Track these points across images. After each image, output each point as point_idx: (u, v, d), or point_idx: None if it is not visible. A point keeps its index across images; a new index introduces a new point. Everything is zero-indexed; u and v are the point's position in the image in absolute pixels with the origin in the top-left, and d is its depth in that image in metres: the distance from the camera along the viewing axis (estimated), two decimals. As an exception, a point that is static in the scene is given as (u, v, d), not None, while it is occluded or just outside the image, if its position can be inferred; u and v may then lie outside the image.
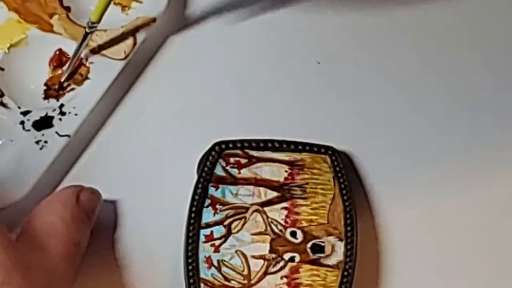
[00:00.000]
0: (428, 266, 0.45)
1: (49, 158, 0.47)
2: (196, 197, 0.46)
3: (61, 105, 0.49)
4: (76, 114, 0.48)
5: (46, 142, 0.47)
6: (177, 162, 0.48)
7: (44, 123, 0.48)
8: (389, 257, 0.45)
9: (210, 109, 0.50)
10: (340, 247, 0.44)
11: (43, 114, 0.48)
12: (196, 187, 0.46)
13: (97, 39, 0.51)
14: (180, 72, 0.52)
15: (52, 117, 0.48)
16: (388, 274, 0.45)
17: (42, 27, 0.51)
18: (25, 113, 0.48)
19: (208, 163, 0.47)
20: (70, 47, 0.51)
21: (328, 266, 0.44)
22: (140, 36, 0.51)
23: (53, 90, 0.50)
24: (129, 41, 0.51)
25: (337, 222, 0.45)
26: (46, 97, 0.50)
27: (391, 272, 0.45)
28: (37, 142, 0.47)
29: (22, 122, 0.48)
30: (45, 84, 0.50)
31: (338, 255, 0.44)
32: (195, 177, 0.46)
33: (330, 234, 0.45)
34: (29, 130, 0.48)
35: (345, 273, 0.44)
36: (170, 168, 0.48)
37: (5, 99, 0.49)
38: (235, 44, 0.53)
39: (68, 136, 0.48)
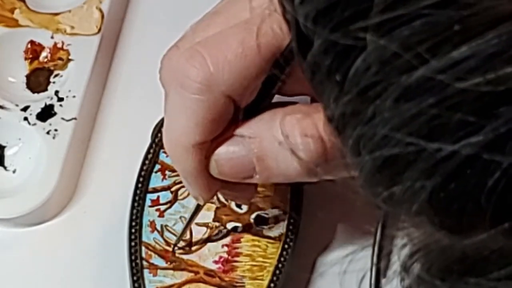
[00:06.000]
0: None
1: (65, 144, 0.47)
2: (147, 161, 0.46)
3: (56, 92, 0.49)
4: (74, 96, 0.48)
5: (56, 130, 0.47)
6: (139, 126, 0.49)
7: (46, 112, 0.48)
8: (331, 234, 0.45)
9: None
10: (284, 220, 0.45)
11: (42, 105, 0.48)
12: (147, 152, 0.46)
13: (65, 21, 0.51)
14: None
15: (52, 105, 0.48)
16: (328, 249, 0.45)
17: (8, 24, 0.51)
18: (25, 109, 0.48)
19: (162, 129, 0.47)
20: (40, 36, 0.50)
21: (270, 238, 0.44)
22: (105, 6, 0.51)
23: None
24: (97, 14, 0.51)
25: (283, 196, 0.45)
26: (29, 88, 0.50)
27: (332, 247, 0.45)
28: (48, 133, 0.47)
29: (25, 118, 0.48)
30: (26, 76, 0.50)
31: (281, 228, 0.44)
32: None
33: (275, 207, 0.45)
34: (35, 124, 0.47)
35: (286, 246, 0.44)
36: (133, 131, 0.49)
37: (0, 101, 0.48)
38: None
39: (75, 119, 0.48)
